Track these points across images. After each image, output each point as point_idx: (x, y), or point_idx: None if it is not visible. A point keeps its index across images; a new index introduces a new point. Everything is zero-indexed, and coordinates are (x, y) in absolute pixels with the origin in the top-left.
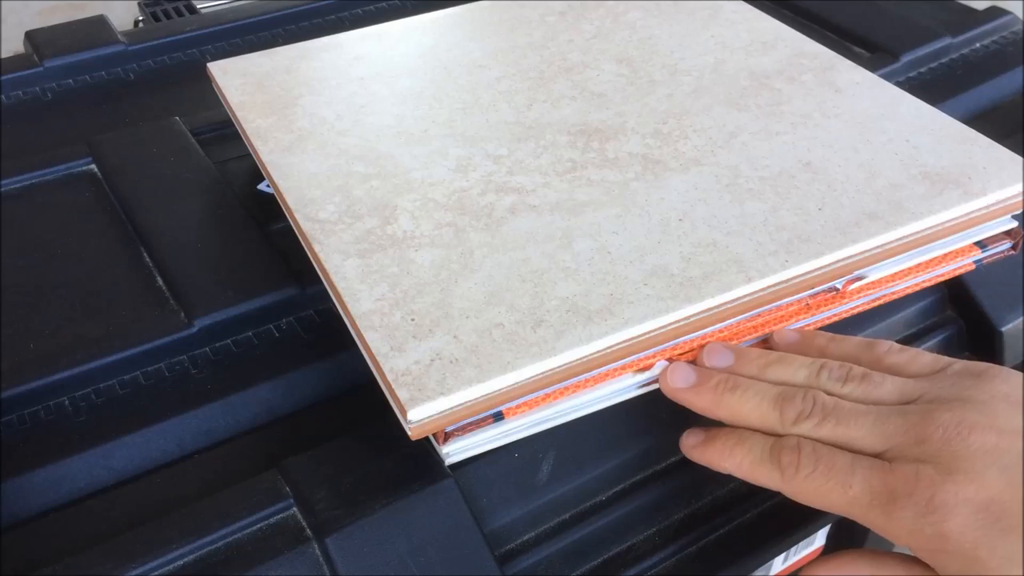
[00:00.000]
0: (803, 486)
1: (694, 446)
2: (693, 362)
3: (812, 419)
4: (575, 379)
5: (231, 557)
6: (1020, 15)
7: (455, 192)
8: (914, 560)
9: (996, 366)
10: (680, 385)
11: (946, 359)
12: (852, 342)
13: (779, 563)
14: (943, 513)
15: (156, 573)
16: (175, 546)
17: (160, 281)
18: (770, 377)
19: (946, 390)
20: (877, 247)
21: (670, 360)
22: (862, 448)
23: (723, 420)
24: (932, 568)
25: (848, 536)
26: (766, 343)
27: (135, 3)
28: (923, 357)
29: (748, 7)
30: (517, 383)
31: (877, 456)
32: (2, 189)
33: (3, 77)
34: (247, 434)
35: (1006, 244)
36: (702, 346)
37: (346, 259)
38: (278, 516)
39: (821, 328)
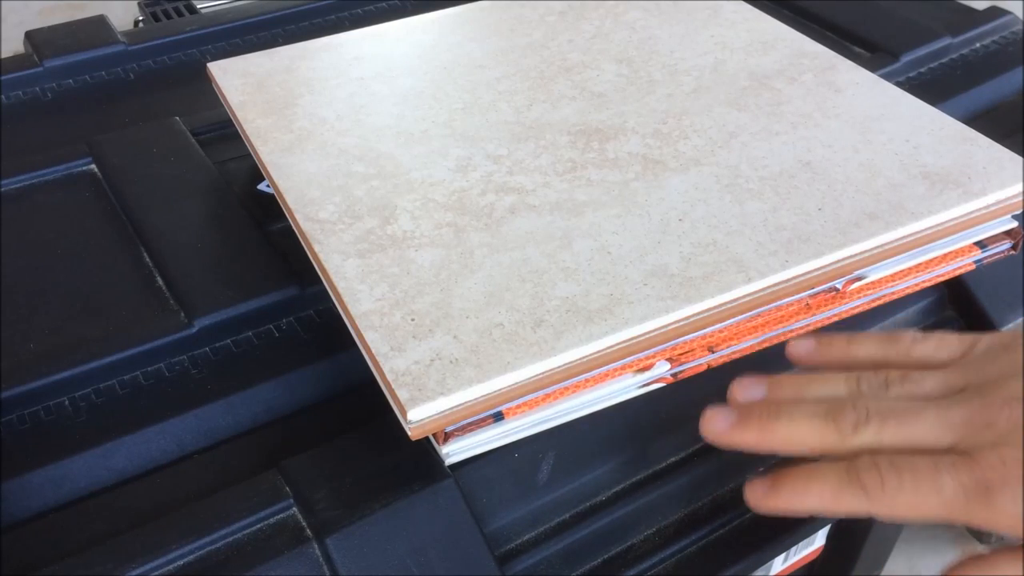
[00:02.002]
0: (894, 501)
1: (764, 496)
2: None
3: (871, 424)
4: (575, 379)
5: (231, 557)
6: (1020, 15)
7: (455, 192)
8: None
9: (1016, 332)
10: (722, 428)
11: (970, 337)
12: (873, 340)
13: (779, 563)
14: None
15: (156, 573)
16: (175, 546)
17: (160, 281)
18: (809, 398)
19: (988, 370)
20: (877, 247)
21: (670, 360)
22: (931, 445)
23: (775, 451)
24: None
25: (849, 535)
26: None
27: (135, 3)
28: (948, 340)
29: (748, 7)
30: (517, 383)
31: (947, 451)
32: (2, 189)
33: (3, 77)
34: (247, 434)
35: (1006, 244)
36: (708, 345)
37: (346, 259)
38: (278, 516)
39: (821, 329)
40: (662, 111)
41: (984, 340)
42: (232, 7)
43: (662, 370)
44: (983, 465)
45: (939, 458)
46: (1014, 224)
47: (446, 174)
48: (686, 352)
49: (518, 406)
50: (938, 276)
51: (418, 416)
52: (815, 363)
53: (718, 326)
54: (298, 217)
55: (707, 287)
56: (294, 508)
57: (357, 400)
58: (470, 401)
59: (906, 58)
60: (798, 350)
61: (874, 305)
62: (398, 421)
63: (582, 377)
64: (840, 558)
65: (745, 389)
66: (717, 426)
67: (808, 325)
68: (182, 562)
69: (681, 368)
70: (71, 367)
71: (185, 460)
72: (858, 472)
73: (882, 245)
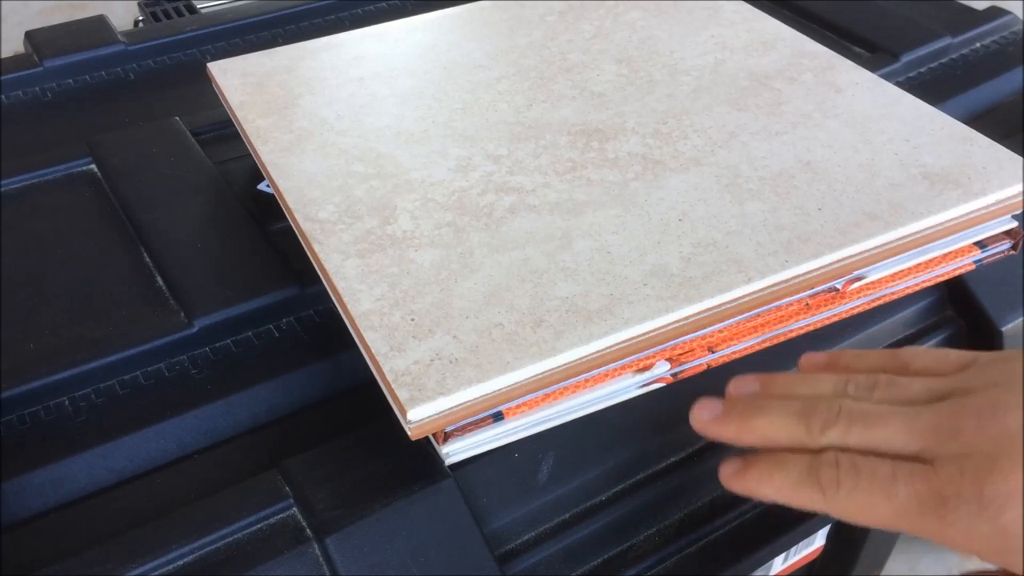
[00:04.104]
0: (847, 502)
1: (732, 476)
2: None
3: (839, 426)
4: (575, 379)
5: (231, 557)
6: (1020, 15)
7: (455, 192)
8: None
9: (1020, 350)
10: (707, 418)
11: (974, 353)
12: (876, 354)
13: (779, 563)
14: (996, 506)
15: (156, 573)
16: (175, 546)
17: (160, 281)
18: (797, 395)
19: (975, 380)
20: (877, 247)
21: (670, 360)
22: (897, 451)
23: (753, 445)
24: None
25: (849, 535)
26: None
27: (135, 3)
28: (950, 356)
29: (748, 7)
30: (517, 383)
31: (914, 458)
32: (2, 189)
33: (3, 77)
34: (247, 434)
35: (1006, 244)
36: (708, 345)
37: (346, 259)
38: (278, 516)
39: (821, 328)
40: (662, 111)
41: (986, 355)
42: (232, 7)
43: (662, 370)
44: (941, 475)
45: (899, 464)
46: (1014, 224)
47: (446, 174)
48: (686, 352)
49: (518, 406)
50: (938, 276)
51: (418, 416)
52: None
53: (718, 326)
54: (298, 217)
55: (707, 287)
56: (294, 508)
57: (357, 400)
58: (470, 401)
59: (906, 58)
60: (809, 362)
61: (874, 305)
62: (398, 421)
63: (582, 377)
64: (840, 558)
65: (740, 385)
66: (703, 416)
67: (808, 325)
68: (182, 562)
69: (681, 368)
70: (71, 367)
71: (185, 460)
72: (819, 468)
73: (882, 245)
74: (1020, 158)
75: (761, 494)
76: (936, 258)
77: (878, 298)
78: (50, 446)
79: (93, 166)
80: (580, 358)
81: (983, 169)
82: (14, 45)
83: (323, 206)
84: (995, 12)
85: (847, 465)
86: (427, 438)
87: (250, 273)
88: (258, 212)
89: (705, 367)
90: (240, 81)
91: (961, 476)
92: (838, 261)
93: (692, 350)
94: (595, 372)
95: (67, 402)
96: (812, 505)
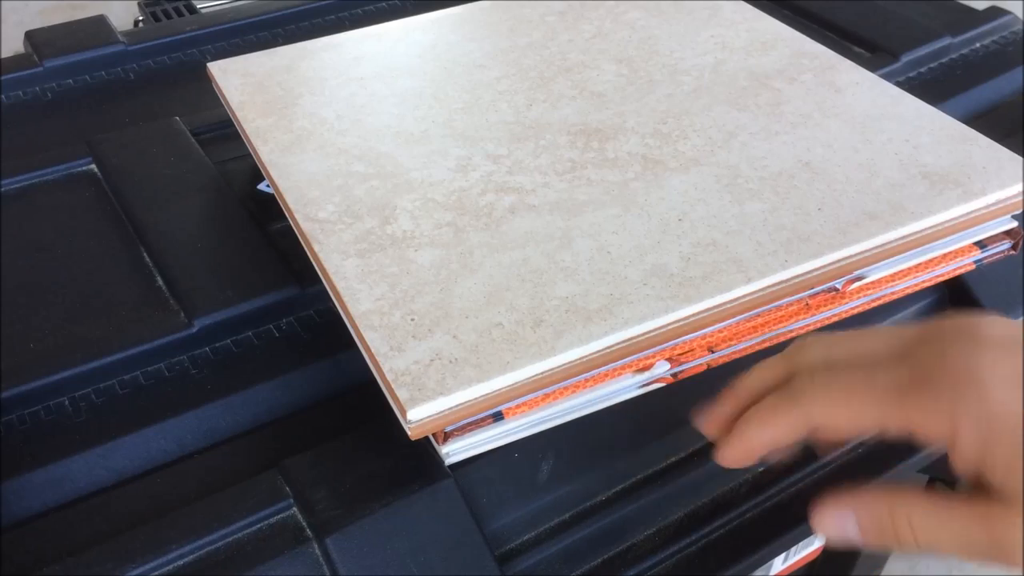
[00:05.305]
0: (826, 399)
1: (720, 437)
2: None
3: (820, 343)
4: (575, 379)
5: (231, 557)
6: (1020, 15)
7: (455, 192)
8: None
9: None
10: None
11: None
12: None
13: (779, 563)
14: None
15: (156, 573)
16: (175, 546)
17: (160, 281)
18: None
19: (931, 334)
20: (877, 247)
21: (670, 360)
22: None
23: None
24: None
25: None
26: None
27: (135, 3)
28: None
29: (748, 7)
30: (517, 383)
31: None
32: (2, 189)
33: (3, 77)
34: (247, 434)
35: (1006, 244)
36: (708, 345)
37: (346, 259)
38: (278, 516)
39: (820, 328)
40: (662, 111)
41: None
42: (232, 7)
43: (662, 370)
44: (922, 360)
45: (878, 360)
46: (1014, 224)
47: (446, 174)
48: (686, 352)
49: (518, 406)
50: (938, 276)
51: (418, 416)
52: None
53: (718, 326)
54: (298, 217)
55: (707, 287)
56: (294, 508)
57: (357, 400)
58: (470, 401)
59: (906, 58)
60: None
61: (874, 305)
62: (398, 421)
63: (582, 377)
64: (840, 558)
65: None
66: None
67: (808, 325)
68: (182, 562)
69: (681, 368)
70: (71, 367)
71: (185, 460)
72: (792, 383)
73: (882, 245)
74: (1020, 158)
75: (746, 439)
76: (936, 258)
77: (878, 298)
78: (50, 446)
79: (93, 166)
80: (580, 358)
81: (983, 169)
82: (14, 45)
83: (323, 206)
84: (995, 12)
85: (822, 368)
86: (427, 438)
87: (250, 273)
88: (258, 212)
89: (705, 367)
90: (240, 81)
91: (943, 357)
92: (838, 261)
93: (692, 350)
94: (595, 372)
95: (67, 402)
96: (792, 419)
